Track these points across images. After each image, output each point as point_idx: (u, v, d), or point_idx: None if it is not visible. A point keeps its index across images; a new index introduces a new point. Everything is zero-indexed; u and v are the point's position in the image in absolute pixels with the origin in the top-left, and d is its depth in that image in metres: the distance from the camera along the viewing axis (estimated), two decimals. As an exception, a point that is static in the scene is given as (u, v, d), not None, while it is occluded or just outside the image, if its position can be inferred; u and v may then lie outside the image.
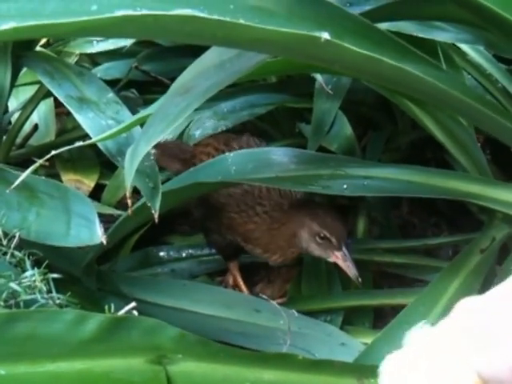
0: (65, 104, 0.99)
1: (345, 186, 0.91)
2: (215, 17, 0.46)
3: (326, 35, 0.50)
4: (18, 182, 0.74)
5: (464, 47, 1.15)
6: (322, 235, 0.96)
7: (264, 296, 0.96)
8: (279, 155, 0.98)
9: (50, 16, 0.43)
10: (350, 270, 0.95)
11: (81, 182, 1.33)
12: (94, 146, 0.91)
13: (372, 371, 0.64)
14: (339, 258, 0.96)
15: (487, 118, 0.75)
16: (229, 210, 1.03)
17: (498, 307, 0.38)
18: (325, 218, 0.98)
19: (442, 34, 0.95)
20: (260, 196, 1.01)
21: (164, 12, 0.44)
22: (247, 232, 1.03)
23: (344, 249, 0.95)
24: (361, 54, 0.54)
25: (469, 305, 0.40)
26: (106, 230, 0.78)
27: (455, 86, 0.68)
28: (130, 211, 0.74)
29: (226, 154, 0.96)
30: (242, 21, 0.48)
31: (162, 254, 1.25)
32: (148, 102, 1.35)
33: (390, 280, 1.19)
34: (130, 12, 0.43)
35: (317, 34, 0.50)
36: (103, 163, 1.36)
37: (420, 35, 0.93)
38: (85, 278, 0.94)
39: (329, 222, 0.97)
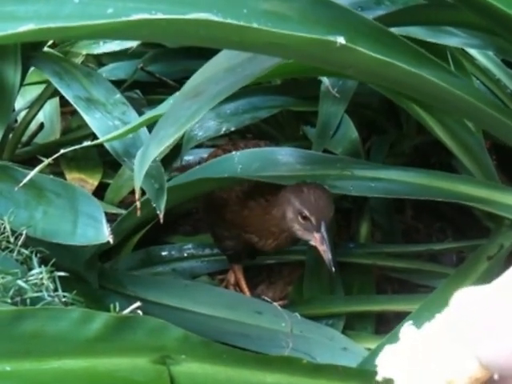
0: (73, 104, 0.99)
1: (351, 187, 0.91)
2: (229, 21, 0.46)
3: (341, 40, 0.50)
4: (26, 180, 0.74)
5: (473, 52, 1.15)
6: (303, 214, 0.91)
7: (266, 298, 0.96)
8: (285, 155, 0.98)
9: (67, 18, 0.43)
10: (326, 254, 0.90)
11: (84, 181, 1.34)
12: (98, 145, 0.91)
13: (375, 377, 0.65)
14: (317, 239, 0.91)
15: (499, 124, 0.75)
16: (230, 204, 1.03)
17: (497, 296, 0.38)
18: (308, 196, 0.92)
19: (452, 39, 0.95)
20: (257, 182, 0.98)
21: (179, 16, 0.44)
22: (244, 220, 1.02)
23: (323, 231, 0.90)
24: (375, 58, 0.54)
25: (467, 295, 0.40)
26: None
27: (468, 92, 0.68)
28: (138, 213, 0.74)
29: (233, 152, 0.96)
30: (255, 25, 0.48)
31: (163, 253, 1.25)
32: (152, 103, 1.35)
33: (393, 285, 1.19)
34: (146, 16, 0.43)
35: (332, 38, 0.50)
36: (107, 162, 1.37)
37: (429, 40, 0.93)
38: (87, 273, 0.94)
39: (311, 201, 0.91)
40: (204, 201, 1.14)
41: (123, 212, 1.16)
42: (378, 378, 0.41)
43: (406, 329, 0.42)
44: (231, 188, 1.02)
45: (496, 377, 0.37)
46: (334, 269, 0.89)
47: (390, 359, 0.41)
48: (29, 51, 1.10)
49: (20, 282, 0.67)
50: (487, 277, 0.90)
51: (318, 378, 0.68)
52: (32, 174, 0.73)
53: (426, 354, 0.40)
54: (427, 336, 0.41)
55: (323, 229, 0.90)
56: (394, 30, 0.66)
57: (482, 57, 1.15)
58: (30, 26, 0.41)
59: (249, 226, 1.03)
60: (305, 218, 0.92)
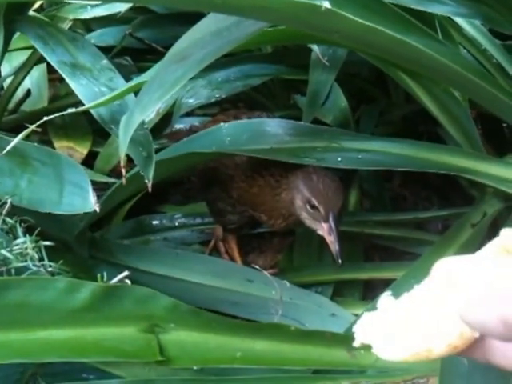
0: (58, 70, 0.97)
1: (339, 159, 0.90)
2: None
3: (326, 4, 0.49)
4: (9, 147, 0.73)
5: (461, 22, 1.14)
6: (311, 203, 0.90)
7: (256, 266, 0.96)
8: (274, 126, 0.96)
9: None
10: (333, 245, 0.88)
11: (73, 150, 1.33)
12: (87, 113, 0.90)
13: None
14: (325, 230, 0.89)
15: (484, 92, 0.75)
16: (237, 180, 1.02)
17: (478, 264, 0.38)
18: (318, 184, 0.90)
19: (440, 8, 0.93)
20: (265, 159, 0.95)
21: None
22: (252, 197, 1.01)
23: (331, 221, 0.88)
24: (361, 24, 0.54)
25: (447, 264, 0.40)
26: (98, 197, 0.78)
27: (455, 59, 0.67)
28: (124, 180, 0.74)
29: (221, 124, 0.95)
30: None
31: (154, 222, 1.25)
32: (142, 70, 1.33)
33: (380, 252, 1.20)
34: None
35: (317, 2, 0.49)
36: (96, 131, 1.35)
37: (417, 8, 0.92)
38: (77, 245, 0.94)
39: (320, 190, 0.90)
40: (203, 176, 1.12)
41: (113, 181, 1.16)
42: (356, 344, 0.42)
43: (384, 298, 0.42)
44: (236, 163, 1.01)
45: (477, 335, 0.38)
46: (340, 261, 0.88)
47: (367, 326, 0.42)
48: (13, 14, 1.07)
49: (4, 252, 0.67)
50: (471, 244, 0.91)
51: (306, 344, 0.70)
52: (15, 141, 0.72)
53: (406, 322, 0.40)
54: (406, 304, 0.41)
55: (331, 219, 0.88)
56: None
57: (469, 26, 1.14)
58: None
59: (258, 204, 1.01)
60: (313, 206, 0.90)
